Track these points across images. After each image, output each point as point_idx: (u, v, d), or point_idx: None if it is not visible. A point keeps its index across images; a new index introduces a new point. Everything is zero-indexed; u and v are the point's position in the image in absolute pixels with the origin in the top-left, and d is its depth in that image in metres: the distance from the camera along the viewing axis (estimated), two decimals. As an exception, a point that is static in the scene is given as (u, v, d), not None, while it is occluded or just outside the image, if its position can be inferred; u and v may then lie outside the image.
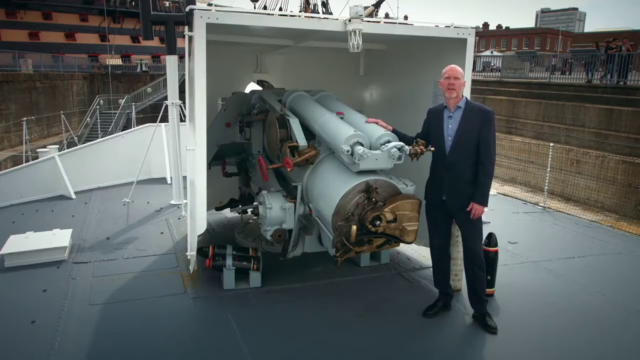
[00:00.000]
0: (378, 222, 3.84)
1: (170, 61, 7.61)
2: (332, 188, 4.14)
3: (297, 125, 4.66)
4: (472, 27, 4.65)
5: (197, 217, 4.26)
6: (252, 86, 7.04)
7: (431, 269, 4.62)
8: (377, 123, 4.30)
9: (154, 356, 3.78)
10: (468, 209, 4.02)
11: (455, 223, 4.38)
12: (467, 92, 4.76)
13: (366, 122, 4.33)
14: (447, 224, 4.37)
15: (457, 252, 4.65)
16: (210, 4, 4.99)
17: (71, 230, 6.16)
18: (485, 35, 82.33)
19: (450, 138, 4.06)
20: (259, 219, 4.87)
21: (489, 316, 4.22)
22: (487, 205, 4.07)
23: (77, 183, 8.61)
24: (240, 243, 5.72)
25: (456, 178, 4.06)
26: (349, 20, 4.16)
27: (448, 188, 4.11)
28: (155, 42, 38.27)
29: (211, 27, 3.96)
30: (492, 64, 31.33)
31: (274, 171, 5.18)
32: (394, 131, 4.25)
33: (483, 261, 4.25)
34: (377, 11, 30.17)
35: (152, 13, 7.41)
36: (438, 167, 4.16)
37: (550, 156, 10.13)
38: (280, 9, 28.62)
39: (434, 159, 4.20)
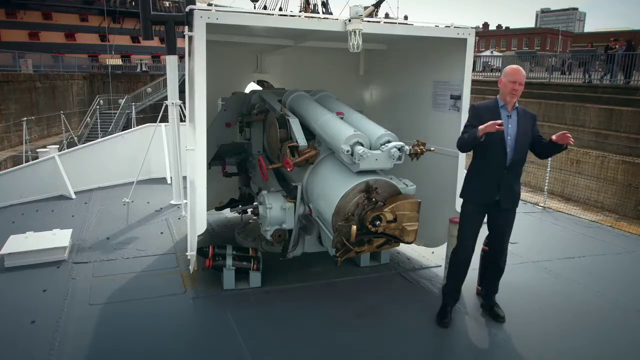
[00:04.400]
0: (378, 222, 3.83)
1: (170, 61, 7.61)
2: (332, 188, 4.14)
3: (297, 125, 4.66)
4: (472, 27, 4.65)
5: (197, 217, 4.26)
6: (252, 86, 7.04)
7: (431, 268, 4.60)
8: None
9: (154, 356, 3.78)
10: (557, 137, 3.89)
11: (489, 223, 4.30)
12: (467, 92, 4.77)
13: None
14: (480, 225, 4.27)
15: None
16: (210, 4, 4.99)
17: (71, 230, 6.16)
18: (485, 35, 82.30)
19: (510, 138, 3.99)
20: (259, 219, 4.87)
21: (497, 305, 4.31)
22: None
23: (77, 183, 8.61)
24: (240, 243, 5.72)
25: (514, 177, 4.07)
26: (349, 20, 4.16)
27: (505, 188, 4.03)
28: (155, 42, 38.24)
29: (211, 27, 3.96)
30: (492, 64, 31.33)
31: (274, 171, 5.18)
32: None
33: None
34: (377, 11, 30.17)
35: (152, 13, 7.40)
36: (492, 167, 4.02)
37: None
38: (280, 9, 28.61)
39: (487, 159, 4.03)
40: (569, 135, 3.88)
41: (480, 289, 4.65)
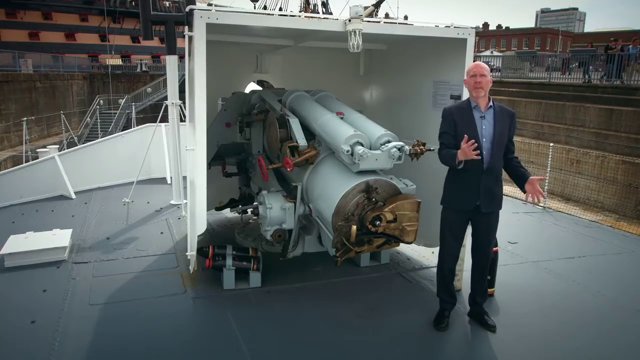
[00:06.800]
0: (378, 222, 3.83)
1: (170, 61, 7.61)
2: (332, 188, 4.13)
3: (297, 125, 4.66)
4: (472, 27, 4.64)
5: (197, 217, 4.26)
6: (252, 86, 7.04)
7: (431, 268, 4.60)
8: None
9: (153, 356, 3.78)
10: (531, 187, 3.75)
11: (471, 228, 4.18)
12: (467, 92, 4.76)
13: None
14: (464, 232, 4.16)
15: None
16: (210, 4, 4.98)
17: (71, 230, 6.16)
18: (485, 35, 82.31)
19: (485, 140, 3.83)
20: (259, 219, 4.87)
21: (487, 314, 4.22)
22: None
23: (77, 183, 8.61)
24: (240, 243, 5.72)
25: (493, 181, 3.89)
26: (349, 20, 4.16)
27: (485, 192, 3.87)
28: (155, 42, 38.26)
29: (211, 27, 3.96)
30: (492, 64, 31.30)
31: (274, 171, 5.18)
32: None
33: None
34: (377, 11, 30.19)
35: (152, 13, 7.40)
36: (470, 171, 3.82)
37: (550, 156, 10.12)
38: (280, 9, 28.63)
39: (464, 163, 3.79)
40: (541, 193, 3.78)
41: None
